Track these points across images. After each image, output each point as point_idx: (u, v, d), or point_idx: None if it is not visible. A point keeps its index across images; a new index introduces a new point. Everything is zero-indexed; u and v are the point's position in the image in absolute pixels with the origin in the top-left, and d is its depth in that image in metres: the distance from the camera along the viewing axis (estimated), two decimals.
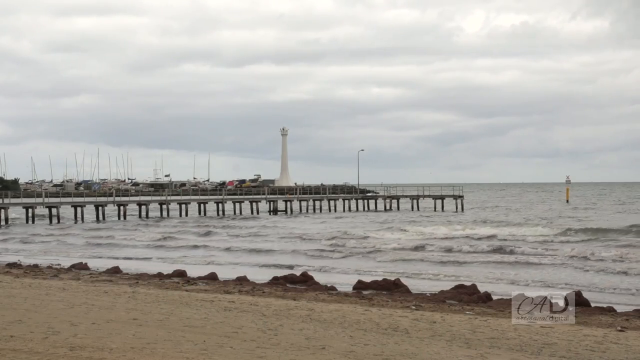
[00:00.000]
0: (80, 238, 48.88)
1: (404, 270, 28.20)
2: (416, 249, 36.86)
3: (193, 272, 26.43)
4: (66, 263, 31.01)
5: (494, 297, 19.40)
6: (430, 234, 45.43)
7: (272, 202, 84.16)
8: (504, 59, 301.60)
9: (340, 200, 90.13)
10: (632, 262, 29.06)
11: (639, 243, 37.14)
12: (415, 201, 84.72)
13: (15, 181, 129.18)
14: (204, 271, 26.69)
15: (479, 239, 41.66)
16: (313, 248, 38.36)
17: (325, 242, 41.51)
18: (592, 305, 18.16)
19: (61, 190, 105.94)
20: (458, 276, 26.20)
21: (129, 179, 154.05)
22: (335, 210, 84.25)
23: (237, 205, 79.65)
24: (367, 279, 24.17)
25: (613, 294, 21.70)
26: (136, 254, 37.59)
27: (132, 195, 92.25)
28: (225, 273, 26.19)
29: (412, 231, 48.01)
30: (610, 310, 17.38)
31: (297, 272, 25.88)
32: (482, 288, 20.91)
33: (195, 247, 41.27)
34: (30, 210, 65.98)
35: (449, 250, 36.09)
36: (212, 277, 24.58)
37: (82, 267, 28.68)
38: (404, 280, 23.15)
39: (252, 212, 78.58)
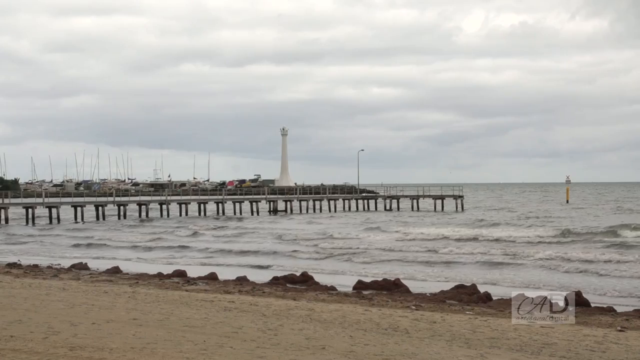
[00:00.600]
0: (64, 238, 48.46)
1: (382, 271, 27.97)
2: (396, 250, 36.72)
3: (193, 272, 26.43)
4: (46, 264, 30.92)
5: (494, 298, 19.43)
6: (417, 235, 44.99)
7: (272, 202, 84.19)
8: (504, 59, 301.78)
9: (340, 200, 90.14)
10: (616, 264, 28.97)
11: (634, 243, 36.93)
12: (415, 201, 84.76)
13: (15, 181, 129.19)
14: (203, 271, 26.70)
15: (465, 239, 41.51)
16: (292, 249, 38.08)
17: (304, 243, 41.59)
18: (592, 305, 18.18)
19: (61, 190, 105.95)
20: (438, 276, 26.47)
21: (129, 179, 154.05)
22: (335, 210, 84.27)
23: (237, 205, 79.63)
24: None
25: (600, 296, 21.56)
26: (114, 254, 37.26)
27: (132, 195, 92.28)
28: (221, 273, 26.18)
29: (398, 232, 47.68)
30: (610, 310, 17.38)
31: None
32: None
33: (173, 247, 40.80)
34: (30, 210, 65.96)
35: (430, 250, 36.04)
36: (212, 277, 24.58)
37: (82, 267, 28.70)
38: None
39: (252, 212, 78.57)
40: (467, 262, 31.00)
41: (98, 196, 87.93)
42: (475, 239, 42.05)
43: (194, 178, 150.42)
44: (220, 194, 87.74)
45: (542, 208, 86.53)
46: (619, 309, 17.79)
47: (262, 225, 59.34)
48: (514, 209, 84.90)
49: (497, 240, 40.90)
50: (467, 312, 16.77)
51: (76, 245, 43.03)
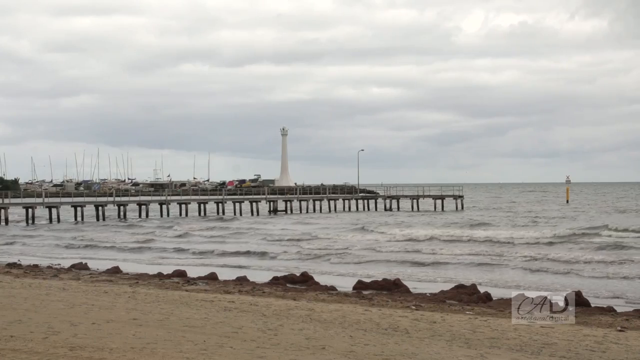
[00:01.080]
0: (48, 239, 48.10)
1: (352, 272, 28.10)
2: (372, 250, 36.76)
3: (193, 272, 26.44)
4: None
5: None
6: (403, 236, 44.70)
7: (272, 202, 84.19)
8: (503, 59, 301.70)
9: (340, 200, 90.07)
10: (607, 264, 28.95)
11: (623, 244, 36.58)
12: (415, 201, 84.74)
13: (15, 181, 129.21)
14: (203, 271, 26.73)
15: (452, 240, 41.25)
16: (280, 250, 37.68)
17: (286, 244, 41.67)
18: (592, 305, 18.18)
19: (61, 190, 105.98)
20: (418, 277, 26.49)
21: (129, 179, 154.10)
22: (335, 211, 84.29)
23: (237, 205, 79.61)
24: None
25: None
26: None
27: (132, 195, 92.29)
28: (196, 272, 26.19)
29: (384, 233, 47.45)
30: (610, 310, 17.39)
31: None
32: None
33: (159, 249, 40.41)
34: (30, 210, 65.93)
35: (407, 251, 36.04)
36: (212, 277, 24.60)
37: (82, 267, 28.72)
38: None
39: (252, 213, 78.54)
40: (452, 263, 30.94)
41: (98, 196, 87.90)
42: (460, 239, 41.55)
43: (194, 178, 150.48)
44: (220, 194, 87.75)
45: (539, 208, 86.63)
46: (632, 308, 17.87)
47: (252, 226, 58.12)
48: (509, 209, 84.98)
49: (483, 240, 40.46)
50: (467, 312, 16.77)
51: (57, 246, 42.95)
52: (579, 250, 34.61)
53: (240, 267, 30.50)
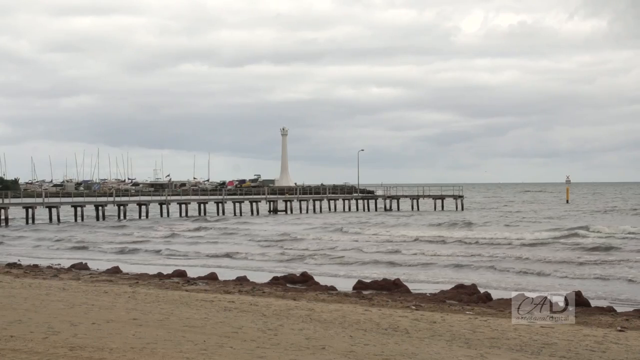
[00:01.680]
0: (29, 240, 47.85)
1: (335, 272, 28.24)
2: (353, 250, 36.86)
3: (192, 272, 26.45)
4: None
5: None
6: (389, 236, 44.79)
7: (272, 202, 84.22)
8: (503, 59, 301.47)
9: (340, 200, 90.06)
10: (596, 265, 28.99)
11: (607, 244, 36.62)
12: (415, 201, 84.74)
13: (15, 181, 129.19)
14: (203, 271, 26.73)
15: (432, 241, 41.12)
16: (247, 252, 37.25)
17: (263, 244, 41.72)
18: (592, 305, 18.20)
19: (61, 190, 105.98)
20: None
21: (129, 179, 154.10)
22: (335, 210, 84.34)
23: (237, 205, 79.62)
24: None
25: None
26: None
27: (132, 195, 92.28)
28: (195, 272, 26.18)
29: (364, 233, 47.50)
30: (610, 310, 17.41)
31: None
32: None
33: (147, 251, 39.86)
34: (30, 210, 65.90)
35: (386, 252, 36.05)
36: (212, 277, 24.61)
37: (82, 267, 28.72)
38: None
39: (252, 212, 78.58)
40: (438, 264, 30.81)
41: (98, 196, 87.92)
42: (445, 240, 41.30)
43: (194, 178, 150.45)
44: (220, 194, 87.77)
45: (534, 208, 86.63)
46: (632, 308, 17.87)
47: (239, 226, 57.60)
48: (505, 209, 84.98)
49: (471, 242, 40.07)
50: (467, 312, 16.78)
51: (37, 247, 42.82)
52: (562, 250, 34.78)
53: (227, 267, 30.28)
